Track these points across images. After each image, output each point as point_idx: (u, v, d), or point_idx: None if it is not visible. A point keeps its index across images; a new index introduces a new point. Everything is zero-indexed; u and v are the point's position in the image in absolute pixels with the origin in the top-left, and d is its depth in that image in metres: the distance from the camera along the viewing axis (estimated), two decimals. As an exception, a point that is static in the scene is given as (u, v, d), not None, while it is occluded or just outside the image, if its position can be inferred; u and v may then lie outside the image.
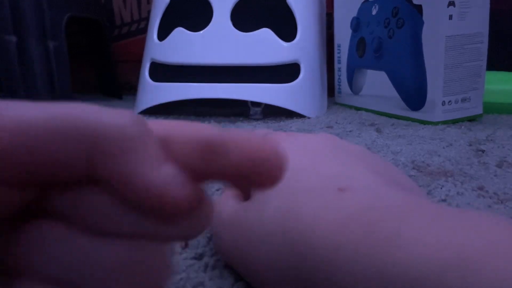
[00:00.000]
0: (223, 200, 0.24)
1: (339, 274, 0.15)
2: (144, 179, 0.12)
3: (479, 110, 0.63)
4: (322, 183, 0.19)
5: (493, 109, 0.67)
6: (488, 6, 0.60)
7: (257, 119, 0.68)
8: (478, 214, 0.15)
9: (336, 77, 0.80)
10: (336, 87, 0.81)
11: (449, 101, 0.60)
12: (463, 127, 0.58)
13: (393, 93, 0.66)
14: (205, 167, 0.13)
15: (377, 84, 0.69)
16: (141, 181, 0.12)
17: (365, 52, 0.71)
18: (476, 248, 0.13)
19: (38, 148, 0.11)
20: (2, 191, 0.12)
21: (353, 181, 0.18)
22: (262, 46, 0.67)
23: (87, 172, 0.12)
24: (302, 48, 0.69)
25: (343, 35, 0.77)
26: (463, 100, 0.61)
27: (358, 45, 0.73)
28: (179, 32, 0.70)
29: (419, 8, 0.59)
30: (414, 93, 0.62)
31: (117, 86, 0.97)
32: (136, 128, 0.12)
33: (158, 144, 0.13)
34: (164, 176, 0.12)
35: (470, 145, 0.49)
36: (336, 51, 0.80)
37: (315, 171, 0.20)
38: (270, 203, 0.19)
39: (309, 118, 0.67)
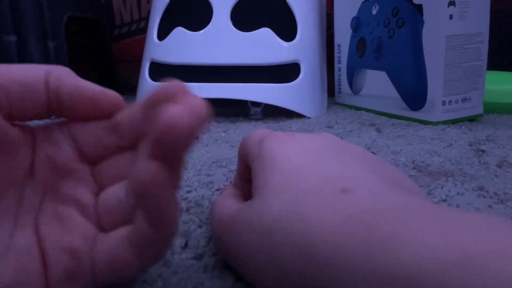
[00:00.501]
0: (223, 200, 0.24)
1: (340, 274, 0.15)
2: (88, 86, 0.19)
3: (479, 110, 0.63)
4: (323, 184, 0.19)
5: (493, 109, 0.67)
6: (488, 6, 0.60)
7: (257, 119, 0.68)
8: (479, 216, 0.15)
9: (336, 77, 0.80)
10: (336, 87, 0.81)
11: (449, 101, 0.60)
12: (463, 127, 0.58)
13: (393, 93, 0.66)
14: None
15: (377, 84, 0.69)
16: (87, 88, 0.19)
17: (365, 52, 0.71)
18: (477, 249, 0.13)
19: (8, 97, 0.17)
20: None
21: (354, 182, 0.18)
22: (262, 46, 0.67)
23: (48, 103, 0.18)
24: (302, 48, 0.69)
25: (343, 35, 0.77)
26: (463, 100, 0.61)
27: (358, 45, 0.73)
28: (179, 32, 0.70)
29: (419, 8, 0.59)
30: (414, 93, 0.62)
31: (117, 86, 0.97)
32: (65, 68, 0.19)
33: None
34: (97, 86, 0.19)
35: (470, 145, 0.49)
36: (336, 51, 0.79)
37: (316, 172, 0.20)
38: (271, 204, 0.19)
39: (309, 118, 0.67)
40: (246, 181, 0.25)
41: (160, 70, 0.71)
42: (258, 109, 0.68)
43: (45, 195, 0.19)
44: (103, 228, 0.19)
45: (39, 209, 0.19)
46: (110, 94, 0.20)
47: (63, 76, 0.19)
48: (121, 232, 0.18)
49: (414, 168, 0.41)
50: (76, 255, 0.18)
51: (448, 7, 0.57)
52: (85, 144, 0.20)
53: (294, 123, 0.64)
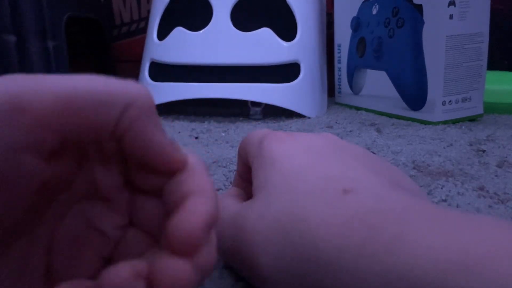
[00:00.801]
0: (223, 199, 0.23)
1: (342, 275, 0.15)
2: (160, 142, 0.16)
3: (479, 110, 0.63)
4: (324, 184, 0.19)
5: (493, 109, 0.67)
6: (488, 6, 0.60)
7: (257, 119, 0.68)
8: (480, 217, 0.15)
9: (336, 77, 0.80)
10: (336, 87, 0.81)
11: (450, 101, 0.60)
12: (463, 127, 0.58)
13: (393, 93, 0.65)
14: None
15: (377, 84, 0.69)
16: (157, 144, 0.16)
17: (365, 52, 0.71)
18: (479, 250, 0.13)
19: (74, 114, 0.14)
20: (34, 162, 0.14)
21: (356, 183, 0.18)
22: (262, 45, 0.67)
23: (112, 136, 0.15)
24: (302, 48, 0.68)
25: (343, 35, 0.76)
26: (464, 100, 0.61)
27: (358, 45, 0.73)
28: (179, 32, 0.70)
29: (419, 7, 0.59)
30: (414, 93, 0.62)
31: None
32: (151, 98, 0.15)
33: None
34: (170, 141, 0.16)
35: (471, 145, 0.49)
36: (336, 51, 0.79)
37: (317, 172, 0.20)
38: (272, 204, 0.19)
39: (309, 118, 0.67)
40: (246, 181, 0.25)
41: (160, 70, 0.71)
42: (258, 109, 0.68)
43: (69, 210, 0.17)
44: (114, 259, 0.17)
45: (59, 223, 0.17)
46: (178, 157, 0.16)
47: (139, 119, 0.15)
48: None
49: (414, 168, 0.41)
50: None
51: (448, 7, 0.57)
52: (137, 175, 0.17)
53: (294, 123, 0.64)
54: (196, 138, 0.56)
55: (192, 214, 0.15)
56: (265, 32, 0.67)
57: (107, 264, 0.17)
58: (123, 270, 0.14)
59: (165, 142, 0.16)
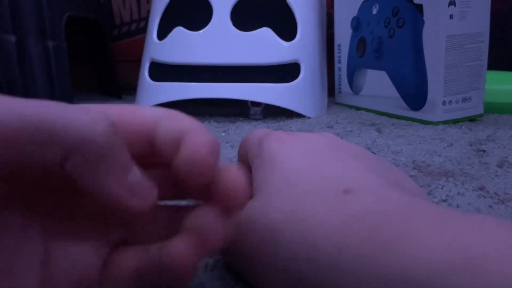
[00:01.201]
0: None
1: (343, 276, 0.15)
2: (111, 191, 0.14)
3: (479, 110, 0.63)
4: (325, 184, 0.19)
5: (493, 109, 0.67)
6: (488, 6, 0.60)
7: (257, 119, 0.68)
8: (481, 217, 0.15)
9: (336, 77, 0.80)
10: (336, 87, 0.81)
11: (450, 101, 0.60)
12: (463, 127, 0.58)
13: (394, 93, 0.65)
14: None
15: (377, 84, 0.69)
16: (108, 193, 0.14)
17: (366, 52, 0.71)
18: (480, 250, 0.13)
19: (7, 146, 0.12)
20: None
21: (356, 183, 0.18)
22: (262, 45, 0.67)
23: (59, 171, 0.13)
24: (302, 48, 0.68)
25: (343, 35, 0.76)
26: (464, 100, 0.61)
27: (359, 44, 0.73)
28: (179, 32, 0.70)
29: (419, 7, 0.59)
30: (414, 93, 0.62)
31: (117, 86, 0.97)
32: (108, 136, 0.13)
33: (125, 148, 0.15)
34: (129, 186, 0.15)
35: (471, 145, 0.49)
36: (336, 51, 0.79)
37: (317, 172, 0.20)
38: (272, 203, 0.19)
39: (309, 118, 0.67)
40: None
41: (160, 70, 0.71)
42: (258, 109, 0.68)
43: (66, 198, 0.17)
44: (118, 242, 0.17)
45: (55, 209, 0.16)
46: (133, 207, 0.15)
47: (84, 166, 0.13)
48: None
49: (414, 168, 0.41)
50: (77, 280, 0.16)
51: (448, 7, 0.57)
52: None
53: (294, 123, 0.63)
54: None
55: (195, 140, 0.15)
56: (265, 32, 0.67)
57: (118, 249, 0.17)
58: (181, 243, 0.15)
59: (117, 190, 0.14)
